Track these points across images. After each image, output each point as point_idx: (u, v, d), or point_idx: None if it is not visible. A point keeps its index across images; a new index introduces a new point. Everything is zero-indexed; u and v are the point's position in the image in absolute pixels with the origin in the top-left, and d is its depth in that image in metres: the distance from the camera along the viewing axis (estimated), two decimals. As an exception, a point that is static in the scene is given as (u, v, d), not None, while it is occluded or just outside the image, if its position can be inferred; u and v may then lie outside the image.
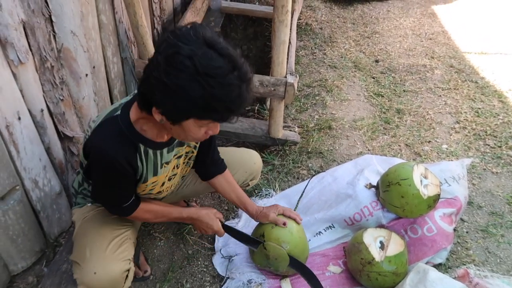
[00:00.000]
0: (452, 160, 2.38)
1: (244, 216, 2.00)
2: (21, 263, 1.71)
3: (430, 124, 2.69)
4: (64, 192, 1.87)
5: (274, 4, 1.97)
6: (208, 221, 1.55)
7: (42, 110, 1.66)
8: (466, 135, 2.58)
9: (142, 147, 1.29)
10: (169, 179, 1.49)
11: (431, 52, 3.54)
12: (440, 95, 2.98)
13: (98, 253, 1.36)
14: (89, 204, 1.52)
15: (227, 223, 1.99)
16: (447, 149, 2.48)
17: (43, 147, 1.71)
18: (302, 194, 1.96)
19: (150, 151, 1.32)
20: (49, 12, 1.63)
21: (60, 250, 1.79)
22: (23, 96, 1.56)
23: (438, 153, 2.45)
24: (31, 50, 1.57)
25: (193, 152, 1.53)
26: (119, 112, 1.26)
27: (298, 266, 1.62)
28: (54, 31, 1.68)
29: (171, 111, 1.10)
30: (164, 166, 1.40)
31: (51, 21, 1.66)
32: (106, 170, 1.25)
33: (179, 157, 1.46)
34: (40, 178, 1.70)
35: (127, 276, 1.39)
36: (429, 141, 2.55)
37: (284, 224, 1.63)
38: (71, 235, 1.86)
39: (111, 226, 1.44)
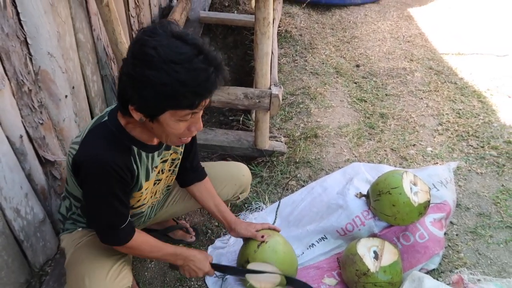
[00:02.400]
0: (437, 163, 2.41)
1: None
2: (5, 297, 1.64)
3: (414, 127, 2.73)
4: (48, 219, 1.81)
5: (256, 17, 1.96)
6: (200, 261, 1.50)
7: (21, 136, 1.60)
8: (449, 137, 2.62)
9: (135, 149, 1.26)
10: (154, 184, 1.44)
11: (410, 54, 3.59)
12: (422, 98, 3.02)
13: (98, 282, 1.30)
14: (79, 229, 1.45)
15: (217, 240, 1.96)
16: (431, 151, 2.51)
17: (24, 174, 1.64)
18: (277, 209, 1.98)
19: (143, 154, 1.29)
20: (24, 35, 1.58)
21: (46, 280, 1.73)
22: (0, 123, 1.50)
23: (423, 156, 2.48)
24: (6, 75, 1.52)
25: (179, 159, 1.51)
26: (106, 118, 1.23)
27: (294, 283, 1.60)
28: (30, 54, 1.63)
29: (144, 105, 1.10)
30: (154, 170, 1.37)
31: (27, 43, 1.61)
32: (102, 178, 1.18)
33: (165, 161, 1.43)
34: (22, 207, 1.63)
35: None
36: (414, 145, 2.58)
37: (263, 236, 1.61)
38: (57, 263, 1.80)
39: (108, 252, 1.38)
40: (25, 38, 1.59)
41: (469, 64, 3.42)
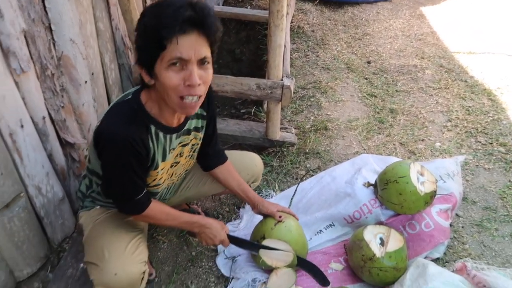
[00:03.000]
0: (445, 158, 2.43)
1: (245, 217, 2.03)
2: (26, 270, 1.72)
3: (423, 123, 2.76)
4: (67, 198, 1.89)
5: (270, 9, 2.01)
6: (217, 230, 1.57)
7: (44, 118, 1.68)
8: (458, 133, 2.65)
9: (153, 129, 1.32)
10: (171, 166, 1.50)
11: (421, 52, 3.62)
12: (432, 95, 3.05)
13: (117, 254, 1.37)
14: (97, 207, 1.53)
15: (229, 224, 2.02)
16: (440, 146, 2.54)
17: (46, 154, 1.72)
18: (294, 194, 2.01)
19: (161, 134, 1.35)
20: (49, 21, 1.66)
21: (64, 256, 1.81)
22: (25, 104, 1.58)
23: (431, 151, 2.51)
24: (32, 58, 1.59)
25: (198, 144, 1.57)
26: (130, 97, 1.31)
27: (304, 264, 1.65)
28: (53, 40, 1.71)
29: (140, 55, 1.21)
30: (171, 152, 1.43)
31: (51, 29, 1.68)
32: (119, 150, 1.24)
33: (184, 145, 1.49)
34: (43, 185, 1.71)
35: (142, 277, 1.41)
36: (423, 140, 2.61)
37: (280, 217, 1.69)
38: (74, 241, 1.88)
39: (125, 228, 1.46)
40: (49, 24, 1.67)
41: (480, 62, 3.43)
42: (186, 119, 1.44)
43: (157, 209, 1.45)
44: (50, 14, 1.66)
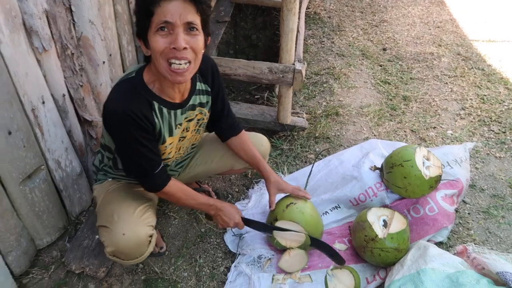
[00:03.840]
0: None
1: (254, 197, 2.10)
2: (46, 238, 1.83)
3: (436, 110, 2.75)
4: (84, 174, 1.98)
5: (283, -7, 2.04)
6: (232, 213, 1.64)
7: (64, 95, 1.76)
8: (471, 121, 2.64)
9: (156, 105, 1.38)
10: (179, 140, 1.56)
11: (439, 40, 3.57)
12: (447, 83, 3.02)
13: (126, 216, 1.46)
14: (109, 180, 1.62)
15: (237, 203, 2.09)
16: (451, 134, 2.54)
17: (65, 130, 1.81)
18: (309, 174, 2.03)
19: (165, 110, 1.41)
20: (69, 2, 1.73)
21: (81, 227, 1.91)
22: (46, 82, 1.66)
23: (443, 139, 2.51)
24: (53, 38, 1.67)
25: (203, 119, 1.62)
26: (133, 75, 1.37)
27: (318, 244, 1.70)
28: (73, 20, 1.78)
29: (137, 27, 1.29)
30: (178, 128, 1.49)
31: (71, 10, 1.75)
32: (123, 126, 1.30)
33: (189, 120, 1.54)
34: (62, 159, 1.81)
35: (150, 241, 1.50)
36: (434, 127, 2.61)
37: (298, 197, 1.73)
38: (91, 214, 1.98)
39: (135, 196, 1.55)
40: (70, 6, 1.73)
41: (499, 51, 3.37)
42: (190, 94, 1.49)
43: (177, 188, 1.52)
44: (71, -4, 1.73)
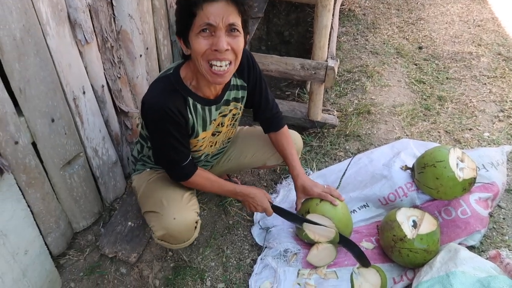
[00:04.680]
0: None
1: (282, 192, 2.11)
2: (82, 222, 1.92)
3: (473, 112, 2.67)
4: (120, 162, 2.06)
5: (318, -11, 2.03)
6: (260, 199, 1.66)
7: (102, 86, 1.84)
8: (511, 124, 2.54)
9: (191, 101, 1.42)
10: (213, 134, 1.61)
11: (479, 39, 3.45)
12: (485, 83, 2.92)
13: (175, 202, 1.54)
14: (148, 170, 1.68)
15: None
16: (488, 137, 2.46)
17: (103, 120, 1.89)
18: (344, 173, 2.01)
19: (199, 106, 1.45)
20: (111, -3, 1.80)
21: (115, 214, 1.99)
22: (87, 73, 1.74)
23: (479, 141, 2.44)
24: (94, 31, 1.74)
25: (238, 114, 1.66)
26: (171, 71, 1.42)
27: (346, 242, 1.70)
28: (114, 14, 1.84)
29: (177, 26, 1.32)
30: (212, 123, 1.54)
31: (112, 5, 1.82)
32: (159, 120, 1.37)
33: (224, 115, 1.58)
34: (99, 148, 1.89)
35: (195, 227, 1.57)
36: (470, 129, 2.53)
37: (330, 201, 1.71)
38: (124, 201, 2.05)
39: (178, 184, 1.61)
40: (111, 0, 1.80)
41: (544, 52, 3.23)
42: (225, 90, 1.52)
43: (203, 176, 1.58)
44: (112, -9, 1.79)
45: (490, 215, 1.93)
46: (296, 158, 1.77)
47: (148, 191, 1.63)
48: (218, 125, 1.60)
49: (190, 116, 1.44)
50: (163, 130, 1.40)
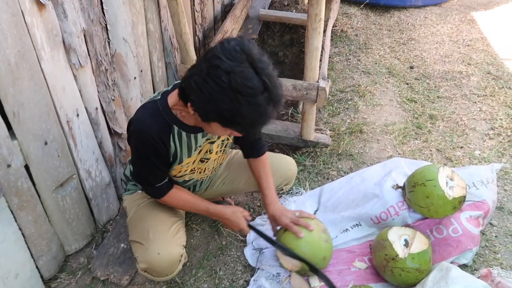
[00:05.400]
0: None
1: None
2: (74, 245, 1.92)
3: (463, 130, 2.70)
4: (113, 184, 2.07)
5: (308, 13, 2.09)
6: (234, 220, 1.65)
7: (96, 108, 1.86)
8: (501, 142, 2.57)
9: (176, 129, 1.43)
10: (201, 161, 1.61)
11: (468, 58, 3.52)
12: (475, 102, 2.97)
13: (160, 236, 1.53)
14: (139, 191, 1.69)
15: (258, 218, 2.12)
16: (479, 155, 2.49)
17: (96, 142, 1.91)
18: (320, 197, 2.05)
19: (184, 134, 1.45)
20: (105, 22, 1.84)
21: (107, 236, 1.98)
22: (81, 96, 1.77)
23: (470, 159, 2.46)
24: (89, 55, 1.78)
25: (228, 139, 1.66)
26: (159, 97, 1.44)
27: (317, 273, 1.67)
28: (109, 38, 1.89)
29: (202, 113, 1.25)
30: (197, 149, 1.54)
31: (107, 29, 1.86)
32: (140, 144, 1.40)
33: (212, 142, 1.57)
34: (93, 169, 1.90)
35: (180, 260, 1.57)
36: (462, 147, 2.56)
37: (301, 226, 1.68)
38: (117, 223, 2.05)
39: (167, 213, 1.63)
40: (106, 25, 1.85)
41: (532, 70, 3.29)
42: None
43: (176, 196, 1.58)
44: (107, 16, 1.84)
45: (482, 233, 1.94)
46: (270, 186, 1.76)
47: (137, 217, 1.63)
48: (206, 152, 1.59)
49: (172, 144, 1.45)
50: (143, 154, 1.44)
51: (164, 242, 1.52)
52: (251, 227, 1.71)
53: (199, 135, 1.50)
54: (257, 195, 2.29)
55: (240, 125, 1.22)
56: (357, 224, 1.95)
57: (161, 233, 1.54)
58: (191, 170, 1.62)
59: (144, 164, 1.47)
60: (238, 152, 1.95)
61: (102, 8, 1.80)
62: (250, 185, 1.91)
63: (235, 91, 1.13)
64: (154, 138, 1.39)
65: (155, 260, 1.49)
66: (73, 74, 1.69)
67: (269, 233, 1.80)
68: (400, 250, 1.65)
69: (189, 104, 1.26)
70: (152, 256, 1.49)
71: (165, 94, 1.44)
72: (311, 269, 1.66)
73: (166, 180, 1.54)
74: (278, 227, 1.79)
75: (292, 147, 2.58)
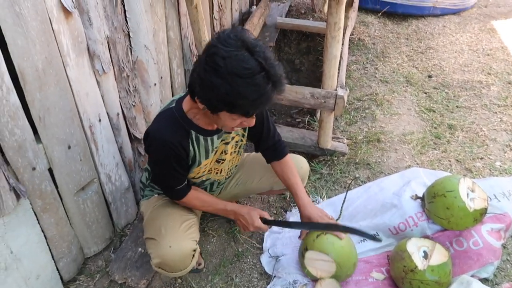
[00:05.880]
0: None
1: (291, 219, 2.11)
2: (93, 248, 1.94)
3: (484, 140, 2.66)
4: (132, 188, 2.10)
5: (327, 21, 2.09)
6: (251, 217, 1.64)
7: (118, 114, 1.90)
8: (522, 153, 2.53)
9: (193, 133, 1.48)
10: (217, 161, 1.65)
11: (488, 68, 3.47)
12: (496, 112, 2.93)
13: (172, 231, 1.56)
14: (156, 195, 1.72)
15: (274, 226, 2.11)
16: (500, 166, 2.44)
17: (117, 147, 1.94)
18: (344, 201, 2.02)
19: (201, 137, 1.50)
20: (128, 29, 1.88)
21: (126, 239, 2.01)
22: (103, 101, 1.80)
23: (490, 170, 2.42)
24: (112, 61, 1.81)
25: (242, 140, 1.69)
26: (174, 105, 1.47)
27: (350, 230, 1.69)
28: (131, 45, 1.92)
29: (207, 103, 1.29)
30: (213, 151, 1.58)
31: (129, 36, 1.90)
32: (161, 152, 1.43)
33: (227, 143, 1.62)
34: (113, 174, 1.93)
35: (193, 255, 1.58)
36: (482, 158, 2.52)
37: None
38: (135, 227, 2.08)
39: (180, 212, 1.65)
40: (128, 32, 1.88)
41: (555, 81, 3.23)
42: None
43: (195, 196, 1.62)
44: (130, 23, 1.87)
45: (503, 246, 1.90)
46: (301, 187, 1.75)
47: (151, 217, 1.66)
48: (222, 152, 1.64)
49: (191, 148, 1.50)
50: (163, 161, 1.47)
51: (175, 235, 1.55)
52: (267, 222, 1.67)
53: (215, 137, 1.55)
54: (274, 203, 2.30)
55: (243, 107, 1.24)
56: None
57: (173, 228, 1.58)
58: (209, 171, 1.66)
59: (165, 170, 1.50)
60: (249, 154, 1.97)
61: (125, 16, 1.84)
62: (262, 183, 1.92)
63: (232, 74, 1.17)
64: (175, 145, 1.42)
65: (167, 253, 1.51)
66: (97, 80, 1.73)
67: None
68: (419, 262, 1.63)
69: (197, 99, 1.32)
70: (164, 250, 1.52)
71: (179, 101, 1.49)
72: (346, 229, 1.66)
73: (185, 182, 1.58)
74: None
75: (309, 155, 2.58)
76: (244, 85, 1.18)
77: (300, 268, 1.85)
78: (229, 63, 1.17)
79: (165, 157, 1.45)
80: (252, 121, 1.38)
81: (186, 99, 1.48)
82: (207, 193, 1.69)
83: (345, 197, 2.03)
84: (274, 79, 1.22)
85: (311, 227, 1.71)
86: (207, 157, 1.57)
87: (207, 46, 1.25)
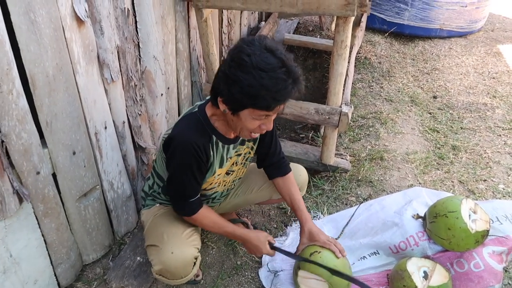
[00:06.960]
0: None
1: (291, 235, 2.10)
2: (92, 255, 1.94)
3: (487, 163, 2.65)
4: (133, 197, 2.10)
5: (334, 39, 2.12)
6: (257, 244, 1.65)
7: (123, 122, 1.92)
8: (526, 177, 2.52)
9: (214, 139, 1.51)
10: (227, 173, 1.67)
11: (493, 91, 3.49)
12: (500, 135, 2.92)
13: (174, 237, 1.57)
14: (157, 205, 1.72)
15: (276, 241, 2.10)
16: (503, 189, 2.43)
17: (121, 155, 1.95)
18: (349, 221, 2.02)
19: (220, 144, 1.53)
20: (138, 40, 1.91)
21: (125, 248, 2.00)
22: (110, 109, 1.82)
23: (493, 192, 2.41)
24: (120, 70, 1.84)
25: (250, 153, 1.72)
26: (196, 110, 1.51)
27: (351, 280, 1.63)
28: (140, 55, 1.96)
29: (230, 99, 1.33)
30: (228, 160, 1.60)
31: (139, 47, 1.93)
32: (184, 153, 1.44)
33: (239, 155, 1.66)
34: (115, 181, 1.94)
35: (194, 263, 1.58)
36: (485, 180, 2.51)
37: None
38: (135, 236, 2.07)
39: (182, 221, 1.64)
40: (138, 42, 1.92)
41: (560, 106, 3.23)
42: None
43: (205, 215, 1.60)
44: (140, 34, 1.91)
45: (505, 270, 1.88)
46: (303, 203, 1.78)
47: (152, 225, 1.66)
48: (233, 164, 1.65)
49: (212, 153, 1.52)
50: (185, 165, 1.47)
51: (178, 242, 1.56)
52: (275, 249, 1.69)
53: (231, 146, 1.58)
54: (274, 216, 2.29)
55: (265, 99, 1.29)
56: (375, 252, 1.92)
57: (175, 234, 1.58)
58: (219, 184, 1.66)
59: (184, 176, 1.49)
60: (249, 165, 1.96)
61: (136, 27, 1.88)
62: (261, 193, 1.93)
63: (256, 68, 1.26)
64: (199, 146, 1.44)
65: (169, 259, 1.51)
66: (105, 88, 1.76)
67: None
68: (419, 282, 1.62)
69: (219, 99, 1.37)
70: (166, 256, 1.52)
71: (202, 106, 1.52)
72: (347, 278, 1.62)
73: (199, 195, 1.57)
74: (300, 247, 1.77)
75: (311, 170, 2.58)
76: (267, 78, 1.26)
77: (299, 284, 1.83)
78: (253, 59, 1.26)
79: (188, 161, 1.45)
80: (270, 124, 1.42)
81: (208, 105, 1.52)
82: (217, 214, 1.66)
83: (350, 217, 2.01)
84: (294, 76, 1.30)
85: (315, 264, 1.65)
86: (221, 166, 1.59)
87: (231, 49, 1.35)
